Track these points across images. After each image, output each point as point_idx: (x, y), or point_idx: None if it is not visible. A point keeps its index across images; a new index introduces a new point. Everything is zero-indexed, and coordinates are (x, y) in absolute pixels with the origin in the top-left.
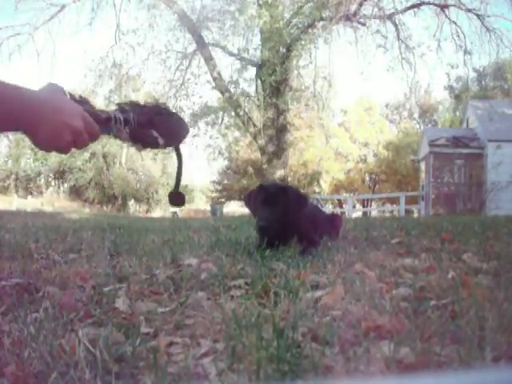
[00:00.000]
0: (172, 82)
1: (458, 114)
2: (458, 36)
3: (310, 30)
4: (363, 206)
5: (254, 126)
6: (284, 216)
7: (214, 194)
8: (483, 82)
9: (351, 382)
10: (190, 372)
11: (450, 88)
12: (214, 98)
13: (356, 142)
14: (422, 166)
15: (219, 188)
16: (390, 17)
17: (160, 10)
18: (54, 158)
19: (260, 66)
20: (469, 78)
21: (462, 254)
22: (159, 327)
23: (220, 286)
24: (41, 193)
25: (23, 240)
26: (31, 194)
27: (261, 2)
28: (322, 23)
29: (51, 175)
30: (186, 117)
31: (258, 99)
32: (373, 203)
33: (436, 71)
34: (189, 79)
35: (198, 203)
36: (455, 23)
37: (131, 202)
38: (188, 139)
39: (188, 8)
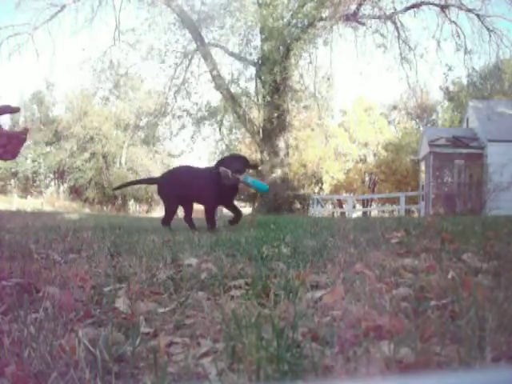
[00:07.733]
0: (172, 81)
1: (456, 113)
2: (459, 36)
3: (309, 30)
4: (363, 206)
5: (254, 125)
6: None
7: None
8: (482, 82)
9: (351, 382)
10: (190, 372)
11: (446, 89)
12: (214, 97)
13: (355, 142)
14: (422, 166)
15: None
16: (390, 17)
17: (160, 8)
18: (53, 157)
19: (260, 66)
20: (469, 77)
21: (462, 254)
22: (159, 327)
23: (220, 286)
24: (40, 193)
25: (23, 240)
26: (31, 193)
27: (261, 2)
28: (321, 23)
29: (51, 175)
30: (186, 116)
31: (258, 99)
32: (373, 203)
33: (436, 71)
34: (188, 78)
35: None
36: (455, 23)
37: (131, 202)
38: (188, 139)
39: (188, 7)
